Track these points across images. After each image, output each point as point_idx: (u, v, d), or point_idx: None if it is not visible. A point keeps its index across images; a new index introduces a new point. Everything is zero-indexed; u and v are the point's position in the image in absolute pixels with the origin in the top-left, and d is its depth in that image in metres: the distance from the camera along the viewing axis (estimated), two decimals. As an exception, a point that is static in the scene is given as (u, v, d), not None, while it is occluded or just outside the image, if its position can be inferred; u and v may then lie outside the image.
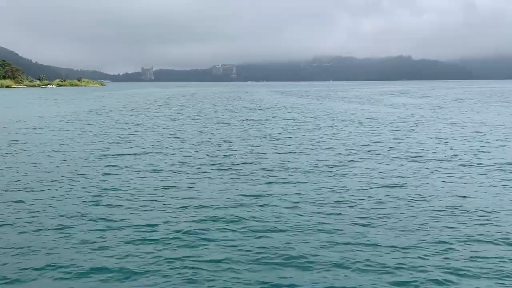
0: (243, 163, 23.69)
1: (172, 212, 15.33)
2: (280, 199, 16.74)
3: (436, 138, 33.46)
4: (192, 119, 52.36)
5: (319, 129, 40.20)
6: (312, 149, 28.45)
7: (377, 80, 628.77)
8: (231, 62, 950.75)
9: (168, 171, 22.01)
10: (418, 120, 48.37)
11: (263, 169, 22.11)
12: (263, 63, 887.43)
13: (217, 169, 22.20)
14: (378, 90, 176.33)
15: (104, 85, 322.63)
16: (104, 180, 20.11)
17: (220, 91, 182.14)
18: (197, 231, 13.41)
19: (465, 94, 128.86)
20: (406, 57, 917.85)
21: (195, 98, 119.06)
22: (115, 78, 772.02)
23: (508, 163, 23.30)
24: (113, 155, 26.90)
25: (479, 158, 25.01)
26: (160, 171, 22.02)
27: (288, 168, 22.36)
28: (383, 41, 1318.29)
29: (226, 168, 22.53)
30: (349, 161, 24.13)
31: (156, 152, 27.71)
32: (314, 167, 22.61)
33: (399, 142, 31.19)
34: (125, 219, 14.53)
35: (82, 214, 15.11)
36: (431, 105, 74.97)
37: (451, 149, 27.96)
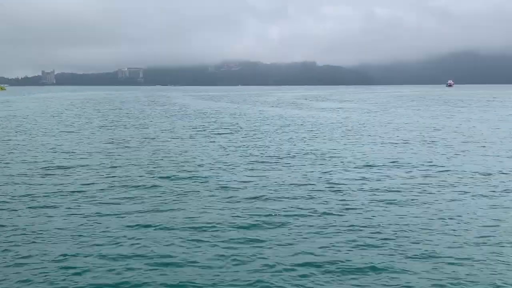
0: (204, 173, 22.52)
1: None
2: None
3: (389, 141, 34.38)
4: (109, 127, 49.58)
5: (277, 135, 39.75)
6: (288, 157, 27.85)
7: (284, 85, 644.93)
8: (138, 65, 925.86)
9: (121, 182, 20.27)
10: (362, 123, 49.77)
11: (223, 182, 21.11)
12: (171, 67, 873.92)
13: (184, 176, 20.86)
14: (296, 94, 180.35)
15: (5, 89, 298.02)
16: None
17: (136, 96, 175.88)
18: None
19: (382, 98, 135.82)
20: (311, 62, 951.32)
21: (113, 102, 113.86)
22: (14, 82, 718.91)
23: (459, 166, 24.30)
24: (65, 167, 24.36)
25: (429, 162, 25.87)
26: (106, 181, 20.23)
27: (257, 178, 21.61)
28: (289, 46, 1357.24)
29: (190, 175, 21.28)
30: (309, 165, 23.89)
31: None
32: (288, 178, 22.03)
33: (358, 147, 31.60)
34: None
35: None
36: (362, 109, 77.76)
37: (401, 153, 28.75)
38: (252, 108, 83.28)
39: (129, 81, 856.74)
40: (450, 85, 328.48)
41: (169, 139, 35.98)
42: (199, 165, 24.25)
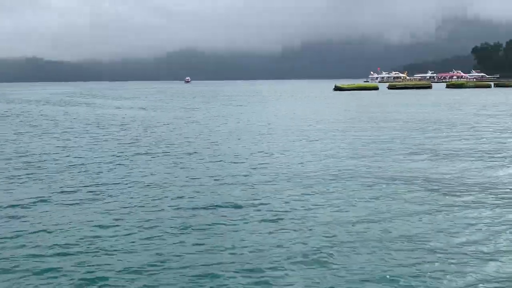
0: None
1: None
2: None
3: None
4: None
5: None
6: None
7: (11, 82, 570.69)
8: None
9: None
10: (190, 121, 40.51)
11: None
12: None
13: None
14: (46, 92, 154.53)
15: None
16: None
17: None
18: None
19: (160, 93, 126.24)
20: (39, 58, 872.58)
21: None
22: None
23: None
24: None
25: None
26: None
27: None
28: (11, 41, 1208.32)
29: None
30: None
31: None
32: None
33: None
34: None
35: None
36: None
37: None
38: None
39: None
40: (187, 82, 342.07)
41: None
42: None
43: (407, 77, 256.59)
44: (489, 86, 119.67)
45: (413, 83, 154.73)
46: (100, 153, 22.95)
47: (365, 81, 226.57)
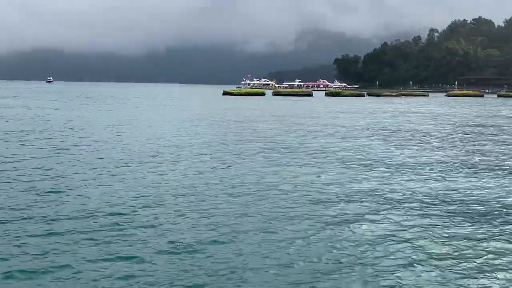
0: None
1: None
2: None
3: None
4: None
5: None
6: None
7: None
8: None
9: None
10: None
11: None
12: None
13: None
14: None
15: None
16: None
17: None
18: None
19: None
20: None
21: None
22: None
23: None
24: None
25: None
26: None
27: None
28: None
29: None
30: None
31: None
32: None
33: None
34: None
35: None
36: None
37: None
38: None
39: None
40: (49, 82, 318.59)
41: None
42: None
43: (276, 85, 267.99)
44: (363, 95, 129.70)
45: (296, 90, 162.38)
46: None
47: (237, 87, 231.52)
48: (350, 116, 52.15)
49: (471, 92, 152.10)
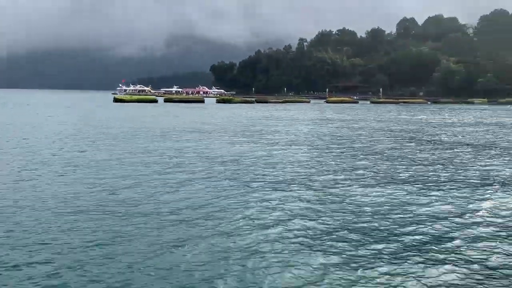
0: None
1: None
2: None
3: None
4: None
5: None
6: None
7: None
8: None
9: None
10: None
11: None
12: None
13: None
14: None
15: None
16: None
17: None
18: None
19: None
20: None
21: None
22: None
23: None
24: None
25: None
26: None
27: None
28: None
29: None
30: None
31: None
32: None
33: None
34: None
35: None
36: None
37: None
38: None
39: None
40: None
41: None
42: None
43: (151, 91, 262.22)
44: (253, 102, 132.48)
45: (188, 97, 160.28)
46: None
47: (113, 93, 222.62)
48: (286, 123, 52.48)
49: (347, 98, 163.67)
